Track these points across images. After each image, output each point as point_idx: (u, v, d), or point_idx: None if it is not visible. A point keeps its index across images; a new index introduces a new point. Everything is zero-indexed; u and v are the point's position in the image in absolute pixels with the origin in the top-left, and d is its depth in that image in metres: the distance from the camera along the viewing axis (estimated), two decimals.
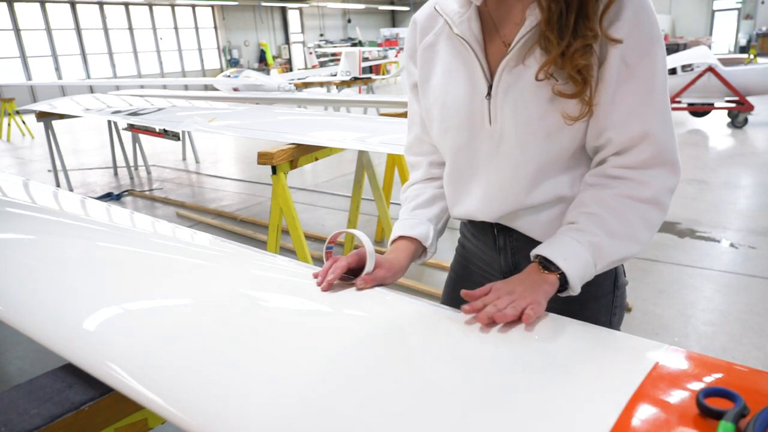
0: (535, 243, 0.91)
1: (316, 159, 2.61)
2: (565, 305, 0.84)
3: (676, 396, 0.57)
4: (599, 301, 0.95)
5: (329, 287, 0.86)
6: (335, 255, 0.91)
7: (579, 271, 0.78)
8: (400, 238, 0.96)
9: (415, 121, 1.03)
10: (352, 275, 0.90)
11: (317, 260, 3.39)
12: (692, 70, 7.17)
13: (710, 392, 0.55)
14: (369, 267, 0.87)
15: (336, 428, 0.56)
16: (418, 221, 0.98)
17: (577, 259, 0.78)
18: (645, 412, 0.55)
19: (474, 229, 1.04)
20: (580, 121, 0.80)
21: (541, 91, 0.81)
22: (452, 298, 1.10)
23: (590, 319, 0.82)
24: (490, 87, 0.85)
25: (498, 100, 0.84)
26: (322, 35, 24.83)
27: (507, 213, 0.91)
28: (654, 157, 0.80)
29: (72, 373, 0.75)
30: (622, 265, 0.97)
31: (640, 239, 0.81)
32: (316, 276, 0.89)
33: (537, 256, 0.82)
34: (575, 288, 0.79)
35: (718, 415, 0.52)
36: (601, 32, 0.76)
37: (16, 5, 14.76)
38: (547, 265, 0.79)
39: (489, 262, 1.03)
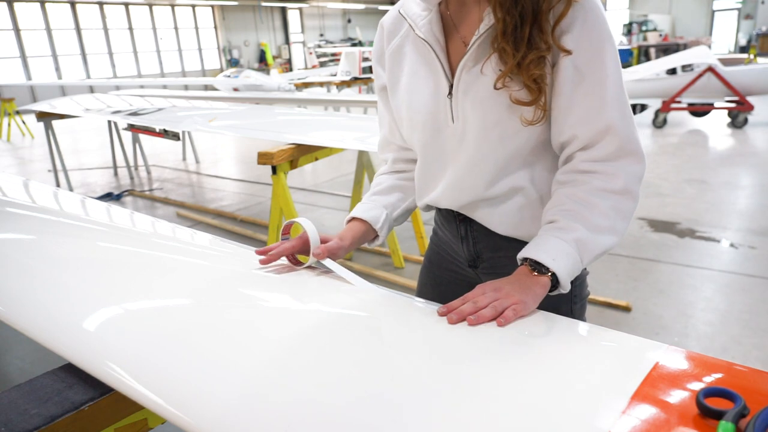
0: (493, 234, 0.97)
1: (316, 159, 2.62)
2: None
3: (676, 396, 0.57)
4: None
5: (268, 262, 0.96)
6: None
7: (568, 269, 0.80)
8: (353, 219, 1.03)
9: (383, 123, 1.08)
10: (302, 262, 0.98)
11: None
12: (692, 70, 7.17)
13: (710, 392, 0.55)
14: (315, 242, 0.95)
15: (336, 428, 0.56)
16: (373, 206, 1.04)
17: (565, 258, 0.79)
18: (645, 411, 0.55)
19: (442, 218, 1.08)
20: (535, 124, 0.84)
21: (499, 97, 0.84)
22: (425, 284, 1.17)
23: (551, 307, 0.84)
24: (451, 86, 0.89)
25: (459, 99, 0.88)
26: (322, 35, 24.83)
27: (466, 204, 0.96)
28: (619, 149, 0.83)
29: (72, 373, 0.75)
30: None
31: (618, 230, 0.83)
32: (259, 253, 0.97)
33: (525, 259, 0.82)
34: (566, 286, 0.80)
35: (718, 415, 0.52)
36: (553, 42, 0.80)
37: (16, 5, 14.75)
38: (537, 267, 0.80)
39: (456, 250, 1.07)
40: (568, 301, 0.98)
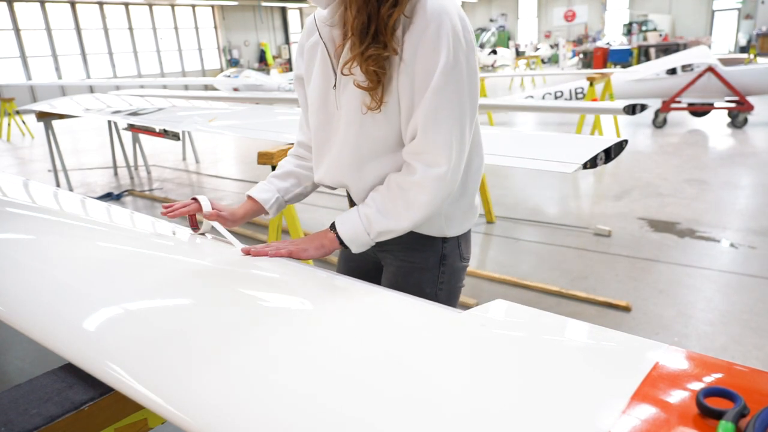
0: None
1: None
2: (396, 271, 1.15)
3: (676, 396, 0.57)
4: (424, 273, 1.14)
5: (167, 215, 1.16)
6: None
7: (349, 235, 1.03)
8: (249, 197, 1.21)
9: (301, 108, 1.25)
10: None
11: (317, 260, 3.39)
12: (692, 70, 7.17)
13: (710, 392, 0.55)
14: (206, 209, 1.17)
15: (338, 428, 0.56)
16: (268, 188, 1.22)
17: (351, 226, 1.03)
18: (645, 411, 0.55)
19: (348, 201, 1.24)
20: (373, 112, 0.98)
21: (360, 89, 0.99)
22: (340, 260, 1.35)
23: (416, 285, 1.11)
24: (336, 79, 1.04)
25: (340, 90, 1.04)
26: None
27: (344, 184, 1.12)
28: (424, 146, 0.96)
29: (72, 373, 0.75)
30: (459, 249, 1.15)
31: (402, 216, 1.00)
32: (165, 208, 1.16)
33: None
34: (352, 247, 1.04)
35: (718, 415, 0.52)
36: (389, 43, 0.92)
37: (16, 5, 14.76)
38: (332, 226, 1.05)
39: None
40: (433, 285, 1.15)
